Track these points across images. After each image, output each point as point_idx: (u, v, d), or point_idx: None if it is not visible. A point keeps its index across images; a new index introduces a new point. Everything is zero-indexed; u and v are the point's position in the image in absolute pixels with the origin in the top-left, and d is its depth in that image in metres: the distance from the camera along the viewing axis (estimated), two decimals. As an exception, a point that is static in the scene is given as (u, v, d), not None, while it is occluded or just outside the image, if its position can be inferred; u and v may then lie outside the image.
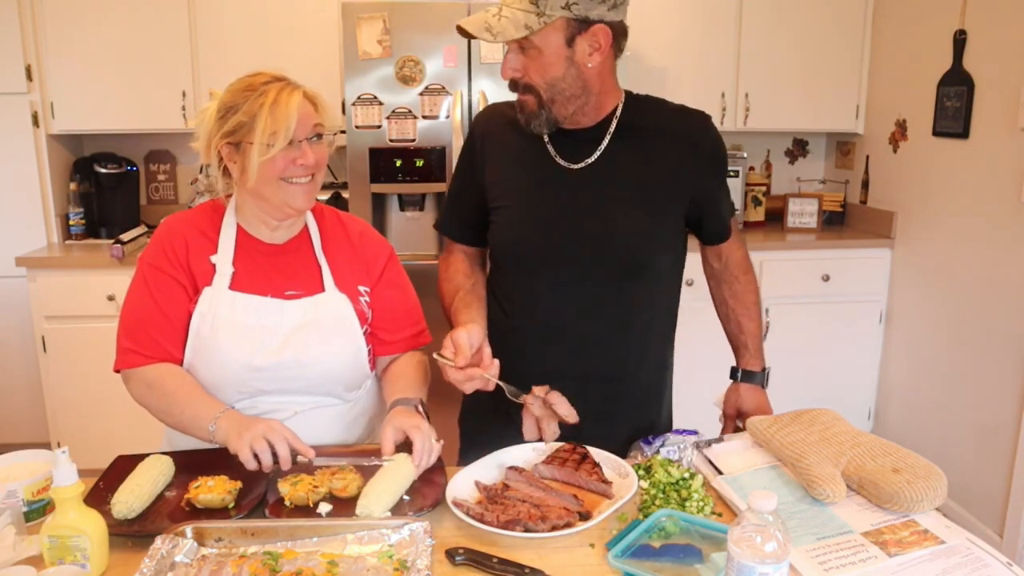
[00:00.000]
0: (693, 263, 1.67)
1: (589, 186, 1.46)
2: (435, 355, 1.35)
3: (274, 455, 1.27)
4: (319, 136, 1.41)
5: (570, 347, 1.51)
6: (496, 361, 1.34)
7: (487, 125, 1.57)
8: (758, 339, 1.66)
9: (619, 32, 1.39)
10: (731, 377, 1.68)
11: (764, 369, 1.65)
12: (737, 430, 1.65)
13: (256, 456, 1.26)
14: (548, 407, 1.37)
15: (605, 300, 1.49)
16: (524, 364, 1.48)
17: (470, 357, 1.31)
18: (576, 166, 1.47)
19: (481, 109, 1.62)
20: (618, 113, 1.47)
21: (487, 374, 1.32)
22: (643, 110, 1.49)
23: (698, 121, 1.51)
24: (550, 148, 1.48)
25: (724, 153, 1.55)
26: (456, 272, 1.59)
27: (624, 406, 1.57)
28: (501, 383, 1.34)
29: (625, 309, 1.51)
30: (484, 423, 1.52)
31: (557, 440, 1.39)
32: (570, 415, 1.36)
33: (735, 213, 1.67)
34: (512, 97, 1.48)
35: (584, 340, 1.51)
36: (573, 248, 1.47)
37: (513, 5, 1.33)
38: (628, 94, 1.50)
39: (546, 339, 1.51)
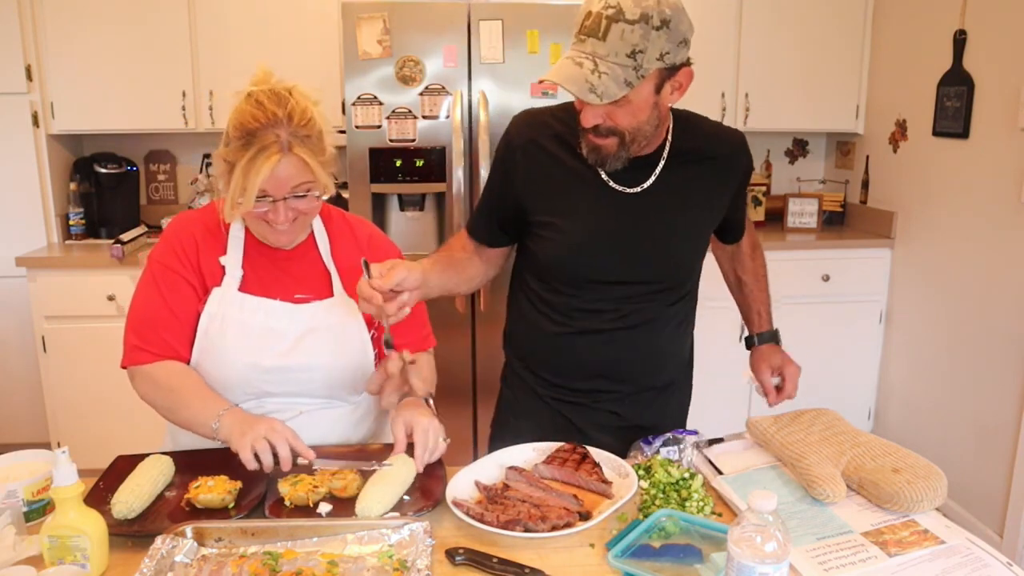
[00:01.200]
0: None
1: (645, 210, 1.47)
2: (363, 259, 1.32)
3: (275, 455, 1.26)
4: (305, 194, 1.36)
5: (621, 351, 1.54)
6: (405, 310, 1.31)
7: (528, 134, 1.52)
8: (769, 306, 1.78)
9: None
10: (748, 346, 1.78)
11: (775, 329, 1.77)
12: (779, 389, 1.71)
13: (257, 456, 1.26)
14: (404, 374, 1.36)
15: (657, 310, 1.54)
16: (576, 368, 1.56)
17: (388, 286, 1.28)
18: (631, 191, 1.47)
19: (518, 114, 1.57)
20: (670, 137, 1.48)
21: (387, 309, 1.27)
22: (688, 130, 1.50)
23: (736, 142, 1.58)
24: (602, 173, 1.47)
25: (752, 169, 1.64)
26: (459, 243, 1.62)
27: (671, 407, 1.66)
28: (387, 329, 1.35)
29: (674, 315, 1.58)
30: (517, 423, 1.55)
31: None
32: (419, 388, 1.36)
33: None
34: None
35: (635, 347, 1.54)
36: (630, 269, 1.49)
37: (609, 59, 1.28)
38: (672, 113, 1.50)
39: (597, 346, 1.54)
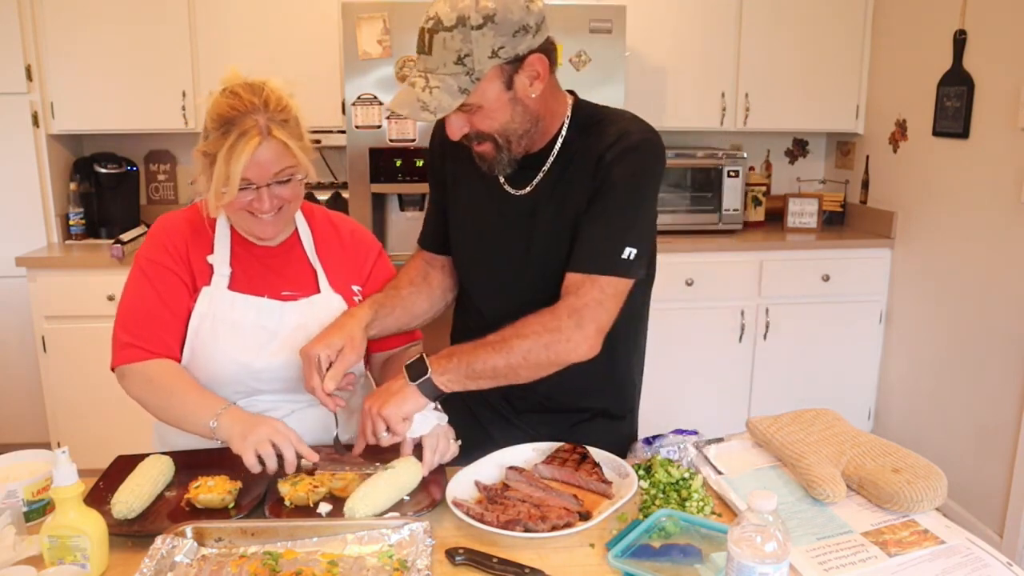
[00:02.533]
0: (690, 263, 1.65)
1: (529, 212, 1.42)
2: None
3: (279, 458, 1.26)
4: (288, 179, 1.36)
5: None
6: (337, 399, 1.35)
7: (440, 136, 1.49)
8: (483, 366, 1.30)
9: (551, 51, 1.32)
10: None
11: (429, 381, 1.30)
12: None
13: (260, 458, 1.25)
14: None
15: None
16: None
17: (334, 388, 1.34)
18: (518, 192, 1.44)
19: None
20: (563, 133, 1.41)
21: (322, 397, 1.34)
22: (586, 128, 1.40)
23: (613, 137, 1.35)
24: (499, 177, 1.44)
25: (624, 173, 1.33)
26: (404, 275, 1.57)
27: (595, 419, 1.54)
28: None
29: None
30: (461, 433, 1.49)
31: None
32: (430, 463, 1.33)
33: (621, 267, 1.33)
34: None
35: None
36: (520, 272, 1.44)
37: (439, 72, 1.25)
38: (575, 107, 1.42)
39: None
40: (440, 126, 1.52)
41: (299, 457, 1.27)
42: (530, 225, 1.42)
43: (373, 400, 1.32)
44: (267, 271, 1.47)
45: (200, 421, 1.32)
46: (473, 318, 1.54)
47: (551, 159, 1.41)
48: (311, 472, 1.30)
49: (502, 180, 1.44)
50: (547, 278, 1.38)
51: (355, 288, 1.54)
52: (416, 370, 1.32)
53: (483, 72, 1.25)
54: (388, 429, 1.31)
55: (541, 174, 1.41)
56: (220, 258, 1.45)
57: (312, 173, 1.40)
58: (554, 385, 1.38)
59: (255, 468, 1.25)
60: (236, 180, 1.31)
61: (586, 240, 1.35)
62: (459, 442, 1.36)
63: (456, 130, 1.33)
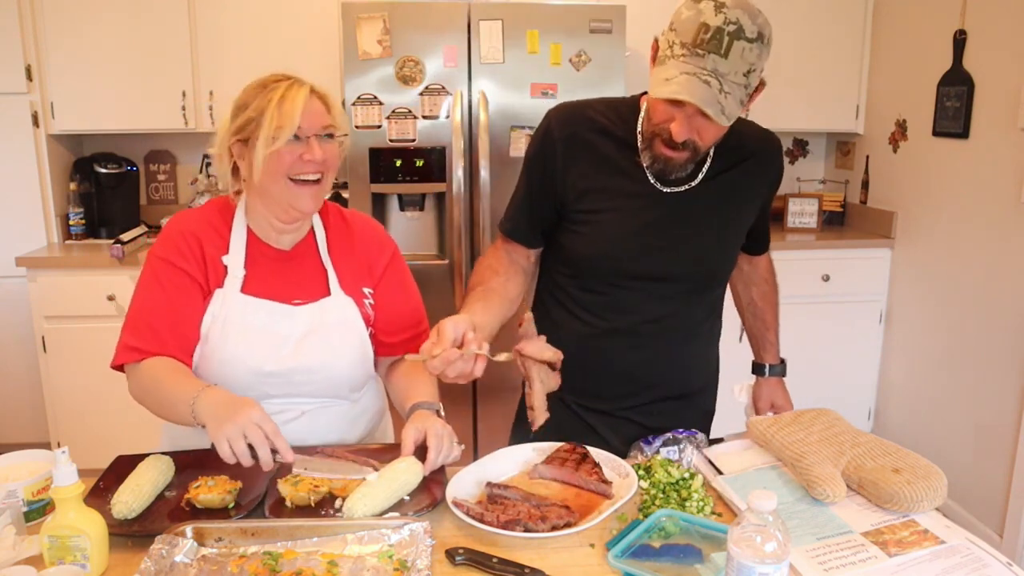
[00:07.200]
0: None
1: (692, 208, 1.46)
2: (407, 356, 1.34)
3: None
4: (330, 135, 1.40)
5: (652, 356, 1.53)
6: (485, 344, 1.26)
7: (570, 127, 1.48)
8: (778, 334, 1.79)
9: None
10: (757, 372, 1.79)
11: (783, 361, 1.80)
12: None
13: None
14: (527, 358, 1.30)
15: (689, 310, 1.54)
16: (606, 371, 1.54)
17: (450, 345, 1.22)
18: (670, 190, 1.46)
19: (555, 107, 1.52)
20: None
21: (470, 349, 1.22)
22: (729, 131, 1.43)
23: (774, 144, 1.56)
24: (648, 172, 1.45)
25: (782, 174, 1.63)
26: (487, 268, 1.54)
27: (699, 411, 1.63)
28: (483, 353, 1.25)
29: (703, 319, 1.58)
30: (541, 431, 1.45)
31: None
32: (556, 357, 1.31)
33: None
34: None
35: (666, 349, 1.54)
36: (666, 267, 1.48)
37: (729, 78, 1.24)
38: None
39: (627, 347, 1.52)
40: (562, 118, 1.49)
41: (275, 452, 1.20)
42: (697, 219, 1.47)
43: (782, 400, 1.79)
44: (281, 274, 1.46)
45: (183, 408, 1.26)
46: (601, 312, 1.51)
47: (709, 160, 1.46)
48: (290, 471, 1.30)
49: (652, 179, 1.45)
50: (707, 264, 1.52)
51: (366, 291, 1.52)
52: (785, 368, 1.80)
53: (752, 89, 1.28)
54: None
55: (702, 174, 1.46)
56: (235, 259, 1.43)
57: (347, 143, 1.45)
58: (677, 367, 1.57)
59: (229, 459, 1.17)
60: (296, 119, 1.32)
61: (768, 226, 1.67)
62: (462, 445, 1.36)
63: (685, 133, 1.32)
